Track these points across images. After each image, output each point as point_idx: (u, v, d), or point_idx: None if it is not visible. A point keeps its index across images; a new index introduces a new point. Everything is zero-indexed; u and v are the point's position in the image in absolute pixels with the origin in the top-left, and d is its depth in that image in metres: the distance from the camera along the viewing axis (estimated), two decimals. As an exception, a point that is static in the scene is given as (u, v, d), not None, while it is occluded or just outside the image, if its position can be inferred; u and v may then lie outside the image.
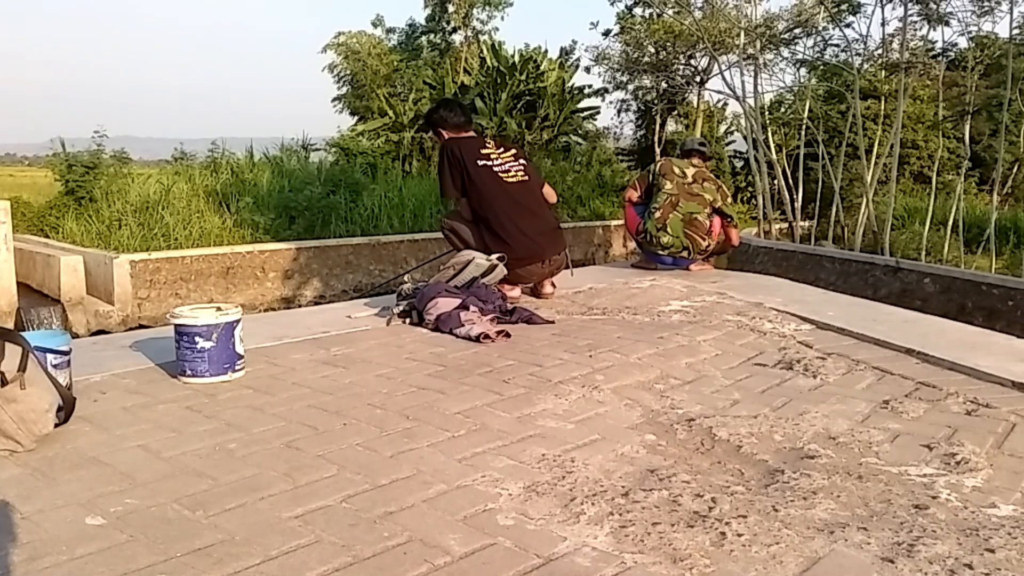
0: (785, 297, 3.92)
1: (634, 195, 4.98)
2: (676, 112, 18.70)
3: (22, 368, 1.88)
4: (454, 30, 21.89)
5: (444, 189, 3.89)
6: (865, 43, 10.96)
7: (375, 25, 22.86)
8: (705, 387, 2.50)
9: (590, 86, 17.45)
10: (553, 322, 3.35)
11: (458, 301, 3.23)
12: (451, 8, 21.28)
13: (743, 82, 10.76)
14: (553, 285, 3.99)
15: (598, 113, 17.55)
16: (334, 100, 22.78)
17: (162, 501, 1.61)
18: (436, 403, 2.25)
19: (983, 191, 14.83)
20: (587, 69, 24.65)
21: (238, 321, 2.49)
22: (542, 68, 16.25)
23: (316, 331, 3.12)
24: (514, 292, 3.85)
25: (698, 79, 17.40)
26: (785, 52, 12.61)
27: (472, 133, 4.06)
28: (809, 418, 2.18)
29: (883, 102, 11.53)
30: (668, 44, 16.43)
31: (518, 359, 2.73)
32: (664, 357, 2.79)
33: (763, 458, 1.91)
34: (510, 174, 3.83)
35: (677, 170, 4.81)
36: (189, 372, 2.43)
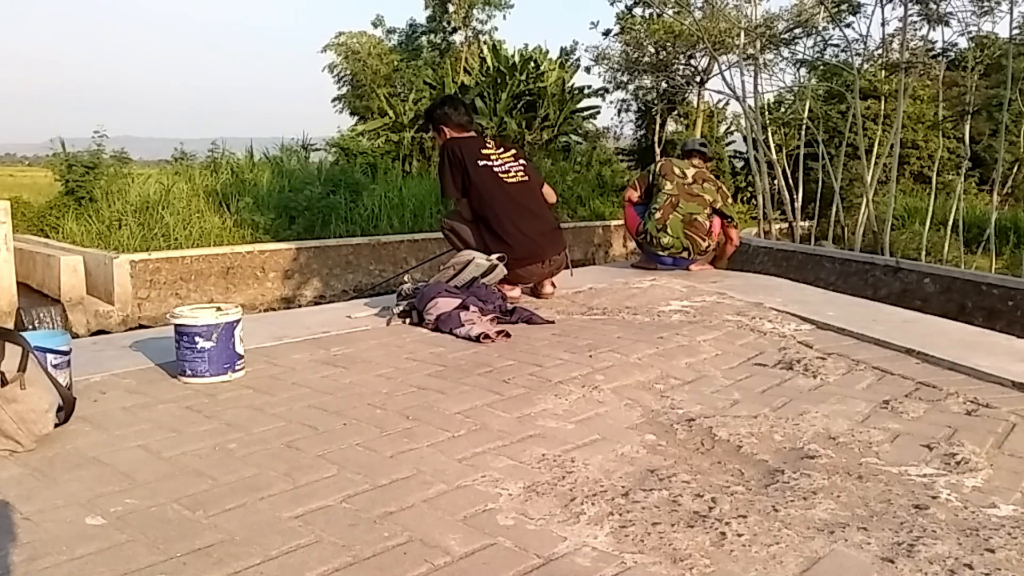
0: (785, 297, 3.92)
1: (634, 195, 4.98)
2: (676, 112, 18.71)
3: (22, 368, 1.88)
4: (454, 30, 21.87)
5: (444, 189, 3.89)
6: (865, 43, 11.00)
7: (375, 25, 22.85)
8: (705, 387, 2.50)
9: (590, 86, 17.46)
10: (553, 322, 3.35)
11: (458, 301, 3.23)
12: (451, 8, 21.25)
13: (743, 82, 10.78)
14: (553, 285, 3.99)
15: (598, 113, 17.56)
16: (334, 100, 22.78)
17: (162, 501, 1.61)
18: (436, 403, 2.25)
19: (983, 191, 14.84)
20: (587, 69, 24.66)
21: (238, 321, 2.49)
22: (542, 68, 16.24)
23: (316, 331, 3.12)
24: (514, 292, 3.85)
25: (698, 79, 17.41)
26: (785, 52, 12.67)
27: (473, 133, 4.06)
28: (809, 418, 2.18)
29: (883, 102, 11.54)
30: (668, 44, 16.44)
31: (518, 359, 2.73)
32: (664, 357, 2.79)
33: (763, 458, 1.91)
34: (510, 174, 3.83)
35: (677, 170, 4.81)
36: (189, 372, 2.43)
